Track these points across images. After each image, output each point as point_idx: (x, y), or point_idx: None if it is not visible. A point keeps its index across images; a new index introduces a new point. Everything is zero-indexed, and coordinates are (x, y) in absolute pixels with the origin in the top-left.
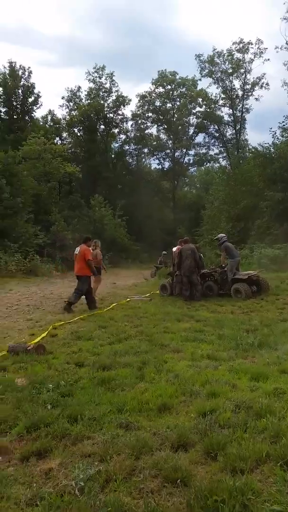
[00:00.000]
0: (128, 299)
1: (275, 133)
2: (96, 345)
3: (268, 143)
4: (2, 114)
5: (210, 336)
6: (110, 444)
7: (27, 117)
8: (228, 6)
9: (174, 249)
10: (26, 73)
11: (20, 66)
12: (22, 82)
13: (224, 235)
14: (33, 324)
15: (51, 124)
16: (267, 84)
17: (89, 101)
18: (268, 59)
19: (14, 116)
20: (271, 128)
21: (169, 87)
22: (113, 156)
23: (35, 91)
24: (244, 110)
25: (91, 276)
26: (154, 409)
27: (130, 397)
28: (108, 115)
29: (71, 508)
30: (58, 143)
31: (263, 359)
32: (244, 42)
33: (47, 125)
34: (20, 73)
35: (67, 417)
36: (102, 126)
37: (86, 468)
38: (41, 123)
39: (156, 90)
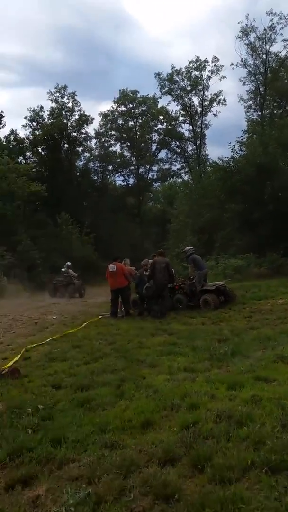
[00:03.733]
0: (100, 317)
1: (234, 147)
2: (72, 365)
3: (227, 157)
4: None
5: (184, 349)
6: (97, 465)
7: None
8: (181, 23)
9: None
10: None
11: None
12: None
13: (191, 247)
14: (4, 348)
15: (14, 144)
16: (224, 100)
17: (52, 120)
18: (225, 77)
19: None
20: (230, 143)
21: (130, 105)
22: (77, 174)
23: None
24: (203, 126)
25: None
26: (137, 426)
27: (112, 416)
28: (71, 134)
29: None
30: (22, 162)
31: (237, 368)
32: (200, 60)
33: (10, 144)
34: None
35: (50, 440)
36: (66, 145)
37: (75, 492)
38: (4, 143)
39: (118, 108)
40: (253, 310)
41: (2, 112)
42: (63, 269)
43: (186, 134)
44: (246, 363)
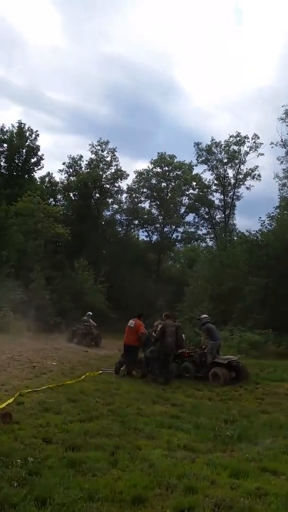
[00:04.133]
0: (100, 372)
1: (264, 222)
2: (65, 420)
3: (255, 230)
4: (2, 169)
5: (187, 424)
6: None
7: (26, 176)
8: (227, 98)
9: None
10: (33, 136)
11: (28, 128)
12: (27, 143)
13: (207, 316)
14: None
15: (48, 185)
16: (259, 175)
17: (88, 170)
18: (263, 154)
19: (14, 173)
20: (260, 217)
21: (166, 168)
22: (103, 223)
23: (39, 153)
24: (235, 197)
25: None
26: (128, 500)
27: (102, 484)
28: (104, 186)
29: None
30: (52, 204)
31: (242, 454)
32: (241, 136)
33: (44, 185)
34: (27, 134)
35: (35, 499)
36: (97, 195)
37: None
38: (39, 183)
39: (154, 169)
40: (266, 391)
41: (42, 155)
42: (84, 318)
43: (217, 202)
44: (253, 450)
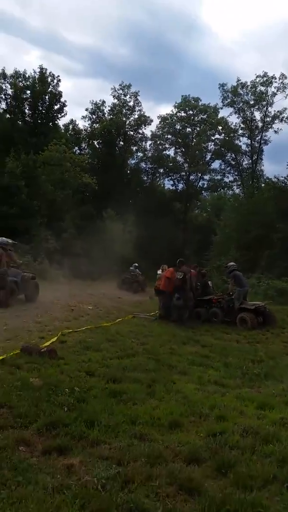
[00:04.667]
0: (133, 316)
1: None
2: (105, 357)
3: (284, 176)
4: (27, 117)
5: (216, 363)
6: (126, 450)
7: (50, 124)
8: (253, 36)
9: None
10: (55, 81)
11: (49, 73)
12: (50, 89)
13: (234, 263)
14: (42, 328)
15: (72, 133)
16: None
17: (111, 116)
18: None
19: (38, 121)
20: None
21: (191, 112)
22: (128, 172)
23: (62, 99)
24: (262, 141)
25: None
26: (165, 425)
27: (142, 411)
28: (128, 133)
29: (95, 501)
30: (77, 152)
31: (269, 390)
32: (268, 76)
33: (68, 133)
34: (49, 79)
35: (84, 421)
36: (122, 142)
37: (106, 469)
38: (63, 131)
39: (178, 114)
40: None
41: (65, 101)
42: (131, 268)
43: (244, 147)
44: (278, 387)
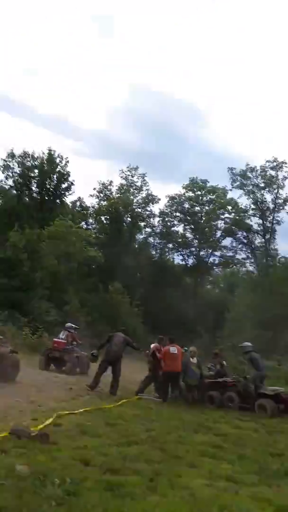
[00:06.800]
0: (139, 397)
1: None
2: (104, 444)
3: None
4: (34, 194)
5: (230, 455)
6: None
7: (57, 201)
8: (259, 123)
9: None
10: (63, 162)
11: (58, 154)
12: (58, 169)
13: (249, 344)
14: (35, 408)
15: (79, 209)
16: None
17: (119, 195)
18: None
19: (46, 198)
20: None
21: (199, 192)
22: (136, 246)
23: (70, 179)
24: (275, 221)
25: None
26: None
27: (140, 509)
28: (136, 210)
29: None
30: (84, 227)
31: None
32: (278, 161)
33: (75, 209)
34: (57, 160)
35: None
36: (129, 219)
37: None
38: (70, 207)
39: (186, 194)
40: None
41: (73, 180)
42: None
43: (255, 226)
44: None
